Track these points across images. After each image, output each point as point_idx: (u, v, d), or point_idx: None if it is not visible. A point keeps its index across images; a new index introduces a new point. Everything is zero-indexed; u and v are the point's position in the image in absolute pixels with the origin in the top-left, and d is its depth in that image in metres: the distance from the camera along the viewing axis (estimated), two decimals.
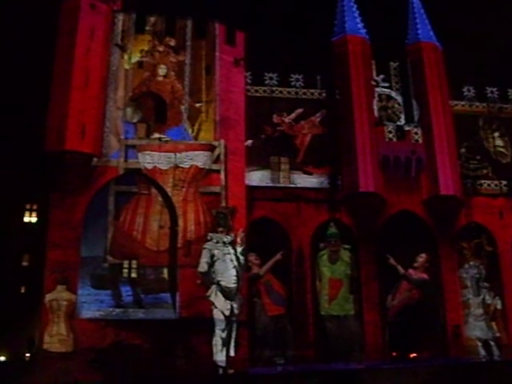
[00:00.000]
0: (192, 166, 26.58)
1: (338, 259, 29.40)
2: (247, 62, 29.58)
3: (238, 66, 28.94)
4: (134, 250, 25.46)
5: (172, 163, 26.40)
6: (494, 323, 30.08)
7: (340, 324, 28.62)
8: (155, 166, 26.32)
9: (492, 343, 29.69)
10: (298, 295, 28.33)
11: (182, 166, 26.48)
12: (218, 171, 26.90)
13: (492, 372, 21.94)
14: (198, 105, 27.80)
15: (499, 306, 30.19)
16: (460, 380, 20.04)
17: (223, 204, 26.41)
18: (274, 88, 31.41)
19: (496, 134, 33.52)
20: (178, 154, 26.57)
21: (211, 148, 27.07)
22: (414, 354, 28.18)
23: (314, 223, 29.38)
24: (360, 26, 32.00)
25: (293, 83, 31.68)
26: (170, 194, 26.03)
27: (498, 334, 29.93)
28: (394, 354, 28.28)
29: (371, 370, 23.12)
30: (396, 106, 32.10)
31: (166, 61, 28.09)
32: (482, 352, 29.45)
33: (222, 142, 27.26)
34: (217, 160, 26.99)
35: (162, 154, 26.44)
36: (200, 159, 26.73)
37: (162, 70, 27.88)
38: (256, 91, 31.02)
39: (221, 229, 26.00)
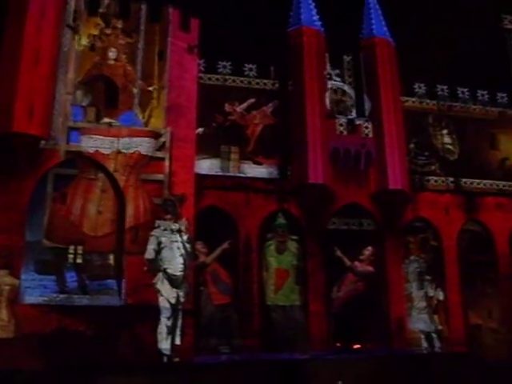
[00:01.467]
0: (135, 152, 26.14)
1: (286, 250, 29.52)
2: (201, 50, 29.29)
3: (191, 52, 28.60)
4: (77, 235, 25.01)
5: (114, 148, 25.87)
6: (436, 316, 30.63)
7: (285, 314, 28.77)
8: (97, 150, 25.75)
9: (434, 336, 30.24)
10: (245, 285, 28.29)
11: (124, 151, 25.97)
12: (163, 159, 26.55)
13: (433, 363, 22.33)
14: (150, 88, 27.47)
15: (441, 297, 30.74)
16: (402, 371, 20.34)
17: (166, 192, 26.13)
18: (227, 77, 31.26)
19: (445, 132, 34.07)
20: (121, 140, 26.05)
21: (156, 135, 26.68)
22: (358, 345, 28.46)
23: (263, 213, 29.34)
24: (315, 18, 31.94)
25: (246, 73, 31.52)
26: (116, 179, 25.67)
27: (440, 327, 30.49)
28: (338, 344, 28.53)
29: (315, 360, 23.24)
30: (348, 99, 32.32)
31: (115, 43, 27.53)
32: (425, 344, 30.00)
33: (169, 129, 26.91)
34: (162, 147, 26.64)
35: (105, 138, 25.88)
36: (144, 146, 26.25)
37: (112, 54, 27.31)
38: (209, 79, 30.79)
39: (169, 216, 25.77)
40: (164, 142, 26.70)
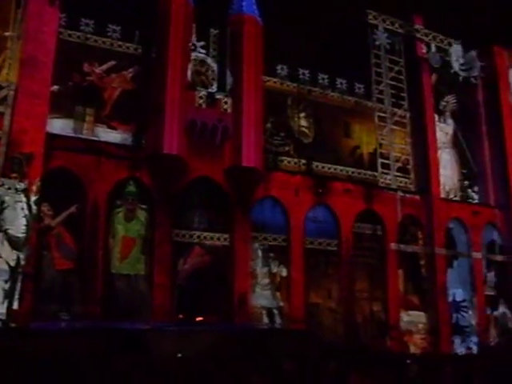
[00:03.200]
0: None
1: (134, 218, 29.05)
2: (63, 4, 27.88)
3: (52, 5, 27.15)
4: None
5: None
6: (278, 293, 31.47)
7: (130, 283, 28.40)
8: None
9: (275, 312, 31.07)
10: (90, 251, 27.52)
11: None
12: (2, 114, 24.93)
13: (272, 339, 22.97)
14: (6, 34, 25.78)
15: (284, 274, 31.56)
16: (241, 344, 20.70)
17: (3, 150, 24.62)
18: (89, 35, 30.08)
19: (302, 115, 34.87)
20: None
21: None
22: (201, 318, 28.63)
23: (113, 179, 28.54)
24: None
25: (109, 34, 30.53)
26: None
27: (281, 304, 31.38)
28: (181, 316, 28.60)
29: (157, 330, 23.16)
30: (210, 72, 32.14)
31: None
32: (266, 320, 30.70)
33: (13, 83, 25.37)
34: (2, 102, 25.07)
35: None
36: None
37: None
38: (69, 35, 29.46)
39: (14, 175, 24.48)
40: (6, 97, 25.11)
